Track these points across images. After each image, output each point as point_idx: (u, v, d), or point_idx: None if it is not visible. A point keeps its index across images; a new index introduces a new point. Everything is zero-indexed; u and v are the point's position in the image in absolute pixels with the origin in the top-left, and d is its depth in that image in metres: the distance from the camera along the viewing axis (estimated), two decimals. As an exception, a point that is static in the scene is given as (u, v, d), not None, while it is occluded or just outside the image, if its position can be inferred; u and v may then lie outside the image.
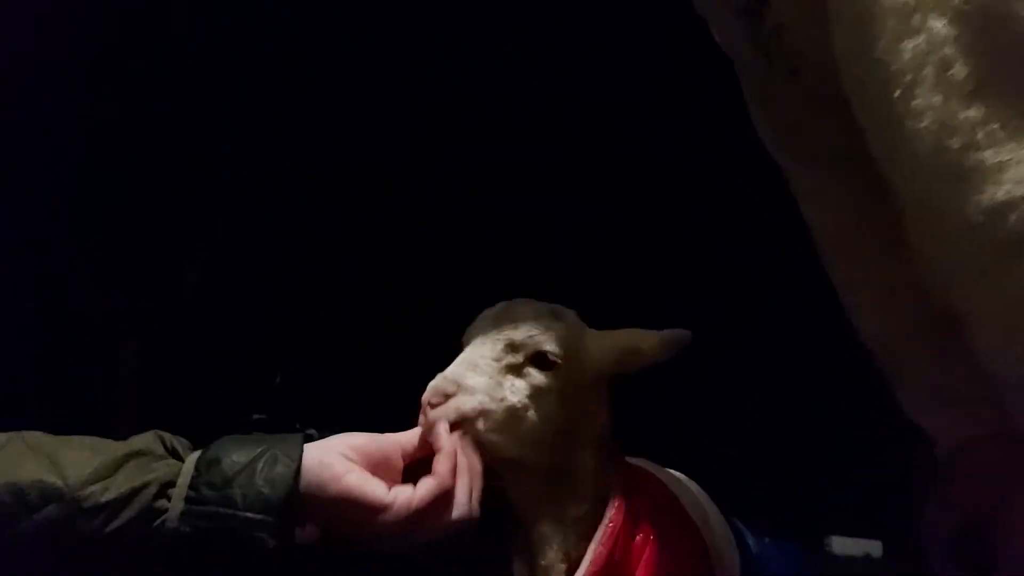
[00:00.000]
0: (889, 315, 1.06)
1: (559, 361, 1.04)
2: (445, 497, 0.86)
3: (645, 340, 1.09)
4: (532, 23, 4.01)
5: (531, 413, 1.02)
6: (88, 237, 3.71)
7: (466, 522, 0.89)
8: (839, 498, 3.11)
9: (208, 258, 4.04)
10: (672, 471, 1.29)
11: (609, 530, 1.04)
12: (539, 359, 1.04)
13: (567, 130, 4.38)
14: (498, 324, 1.07)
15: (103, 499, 0.74)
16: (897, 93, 0.69)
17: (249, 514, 0.77)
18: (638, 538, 1.07)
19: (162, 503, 0.77)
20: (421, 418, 0.95)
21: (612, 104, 4.33)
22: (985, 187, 0.63)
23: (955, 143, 0.65)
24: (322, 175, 4.26)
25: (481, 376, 1.00)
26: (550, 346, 1.04)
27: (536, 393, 1.03)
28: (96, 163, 3.64)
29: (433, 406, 0.96)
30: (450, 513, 0.87)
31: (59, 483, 0.74)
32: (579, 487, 1.07)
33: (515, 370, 1.03)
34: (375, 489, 0.83)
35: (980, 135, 0.64)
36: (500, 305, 1.13)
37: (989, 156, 0.63)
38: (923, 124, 0.67)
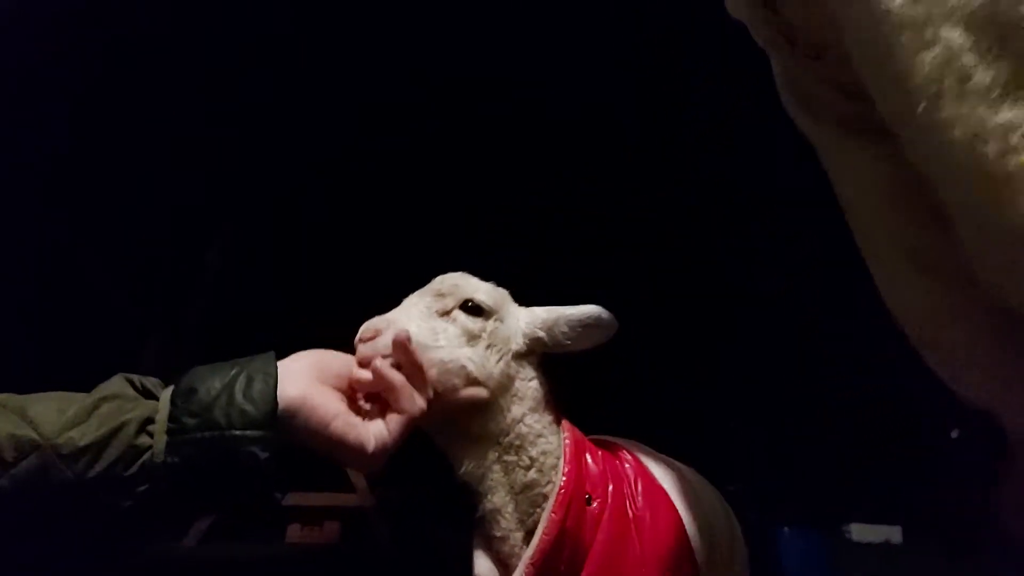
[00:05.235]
0: (922, 290, 1.03)
1: (486, 309, 1.07)
2: (411, 424, 0.91)
3: (564, 311, 1.11)
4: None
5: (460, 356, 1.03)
6: (108, 237, 3.73)
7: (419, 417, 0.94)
8: (858, 485, 3.10)
9: (226, 255, 4.06)
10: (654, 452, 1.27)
11: (560, 497, 1.03)
12: (467, 306, 1.06)
13: (569, 127, 4.38)
14: (428, 285, 1.10)
15: (81, 443, 0.74)
16: (921, 107, 0.68)
17: (236, 432, 0.77)
18: (595, 505, 1.05)
19: (144, 440, 0.76)
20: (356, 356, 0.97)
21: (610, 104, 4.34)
22: None
23: (990, 150, 0.64)
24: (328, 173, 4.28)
25: (412, 319, 1.01)
26: (478, 295, 1.07)
27: (468, 336, 1.04)
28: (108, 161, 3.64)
29: (364, 342, 0.97)
30: (410, 428, 0.92)
31: (33, 435, 0.73)
32: (524, 455, 1.07)
33: (445, 315, 1.05)
34: (358, 436, 0.86)
35: (1015, 139, 0.63)
36: None
37: None
38: (954, 135, 0.66)
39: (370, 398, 0.92)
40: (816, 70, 0.96)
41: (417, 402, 0.92)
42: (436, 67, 4.23)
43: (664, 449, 1.30)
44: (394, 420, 0.89)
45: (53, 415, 0.75)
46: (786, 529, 2.01)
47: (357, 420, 0.87)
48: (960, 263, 0.90)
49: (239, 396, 0.79)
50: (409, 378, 0.92)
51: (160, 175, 3.86)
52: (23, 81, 3.22)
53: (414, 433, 1.00)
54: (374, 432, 0.88)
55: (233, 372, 0.82)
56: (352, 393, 0.91)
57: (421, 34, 4.07)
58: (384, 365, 0.92)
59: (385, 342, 0.95)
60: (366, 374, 0.91)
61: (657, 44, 4.06)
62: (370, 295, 1.03)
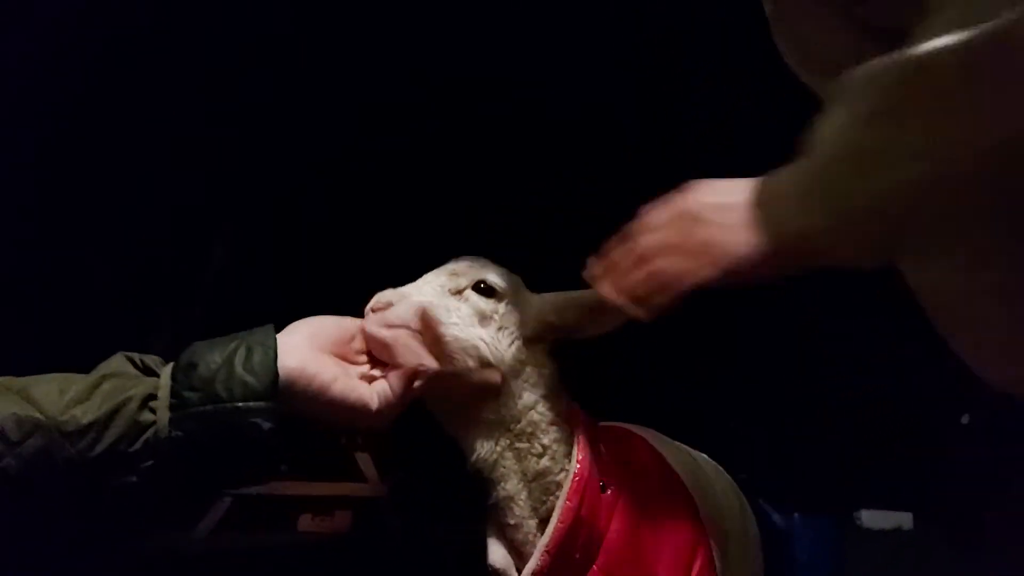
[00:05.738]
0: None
1: (498, 290, 1.07)
2: (412, 377, 0.92)
3: (575, 295, 1.11)
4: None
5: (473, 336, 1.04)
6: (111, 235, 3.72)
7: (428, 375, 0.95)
8: (868, 472, 3.10)
9: (226, 254, 4.06)
10: (675, 441, 1.27)
11: (575, 484, 1.02)
12: (480, 286, 1.07)
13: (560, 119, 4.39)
14: (442, 266, 1.11)
15: (84, 421, 0.74)
16: None
17: (238, 404, 0.78)
18: (609, 492, 1.05)
19: (147, 416, 0.77)
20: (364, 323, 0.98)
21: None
22: None
23: None
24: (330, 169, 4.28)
25: (425, 295, 1.02)
26: (491, 277, 1.07)
27: (480, 316, 1.04)
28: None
29: (375, 311, 0.97)
30: (417, 385, 0.93)
31: (36, 414, 0.74)
32: (536, 442, 1.06)
33: (457, 294, 1.06)
34: (361, 396, 0.87)
35: None
36: None
37: None
38: None
39: (377, 365, 0.93)
40: (852, 15, 0.92)
41: (423, 357, 0.93)
42: (436, 67, 4.24)
43: (674, 439, 1.30)
44: (396, 376, 0.90)
45: (55, 394, 0.76)
46: (797, 516, 2.02)
47: (357, 381, 0.89)
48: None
49: (239, 368, 0.80)
50: (427, 347, 0.94)
51: (160, 175, 3.86)
52: (23, 81, 3.22)
53: (425, 421, 1.00)
54: (377, 390, 0.89)
55: (232, 345, 0.83)
56: (352, 358, 0.92)
57: (421, 34, 4.09)
58: (374, 327, 0.93)
59: (397, 313, 0.96)
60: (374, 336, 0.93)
61: (657, 44, 4.08)
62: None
